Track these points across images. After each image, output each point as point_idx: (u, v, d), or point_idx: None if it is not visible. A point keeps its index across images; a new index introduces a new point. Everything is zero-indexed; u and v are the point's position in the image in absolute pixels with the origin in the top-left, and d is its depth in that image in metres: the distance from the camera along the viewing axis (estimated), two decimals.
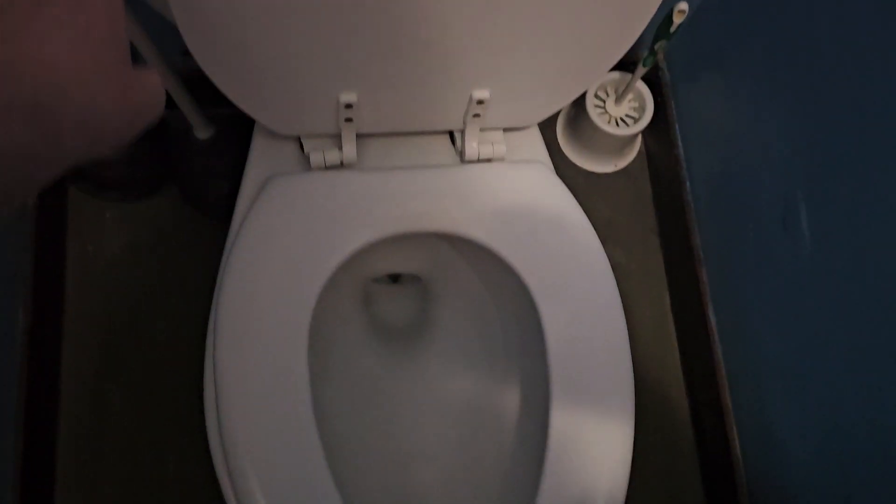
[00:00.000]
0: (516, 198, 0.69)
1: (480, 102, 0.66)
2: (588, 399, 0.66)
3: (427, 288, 0.85)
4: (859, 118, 0.71)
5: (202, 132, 0.91)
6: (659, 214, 1.19)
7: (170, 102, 0.85)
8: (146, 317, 1.05)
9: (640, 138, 1.22)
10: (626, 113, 1.14)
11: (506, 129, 0.73)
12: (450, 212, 0.68)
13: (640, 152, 1.23)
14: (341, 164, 0.70)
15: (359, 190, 0.68)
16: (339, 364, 0.75)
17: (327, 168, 0.70)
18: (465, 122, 0.70)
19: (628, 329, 1.10)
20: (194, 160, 0.94)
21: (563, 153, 1.21)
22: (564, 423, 0.65)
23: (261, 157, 0.72)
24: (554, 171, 0.72)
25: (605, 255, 0.70)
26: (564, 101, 0.69)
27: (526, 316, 0.70)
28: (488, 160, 0.72)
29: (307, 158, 0.70)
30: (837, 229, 0.77)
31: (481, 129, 0.71)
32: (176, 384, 1.01)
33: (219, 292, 0.65)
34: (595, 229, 0.73)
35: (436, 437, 0.75)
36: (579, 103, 1.13)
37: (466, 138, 0.71)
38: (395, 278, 0.93)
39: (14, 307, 0.92)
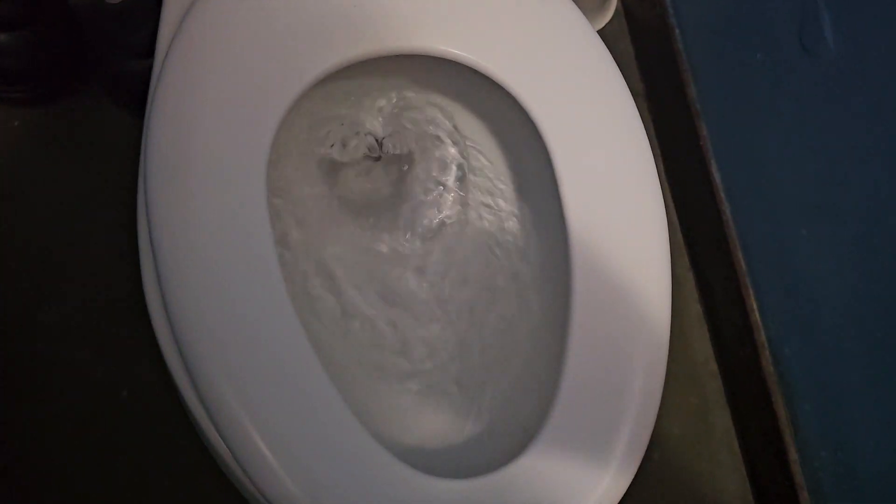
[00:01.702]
0: (510, 9, 0.57)
1: None
2: (615, 259, 0.55)
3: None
4: None
5: None
6: (644, 74, 1.07)
7: None
8: (78, 234, 0.90)
9: None
10: None
11: None
12: (433, 26, 0.55)
13: (617, 12, 1.10)
14: None
15: (314, 4, 0.54)
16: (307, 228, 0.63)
17: None
18: None
19: None
20: (104, 35, 0.79)
21: None
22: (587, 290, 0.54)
23: None
24: None
25: (618, 72, 0.59)
26: None
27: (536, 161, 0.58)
28: None
29: None
30: (871, 30, 0.67)
31: None
32: (124, 301, 0.87)
33: (145, 143, 0.52)
34: None
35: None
36: None
37: None
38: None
39: None
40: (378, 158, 0.70)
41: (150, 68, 0.60)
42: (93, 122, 0.93)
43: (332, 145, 0.69)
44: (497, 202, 0.66)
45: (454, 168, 0.66)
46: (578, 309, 0.52)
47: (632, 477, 0.51)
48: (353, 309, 0.62)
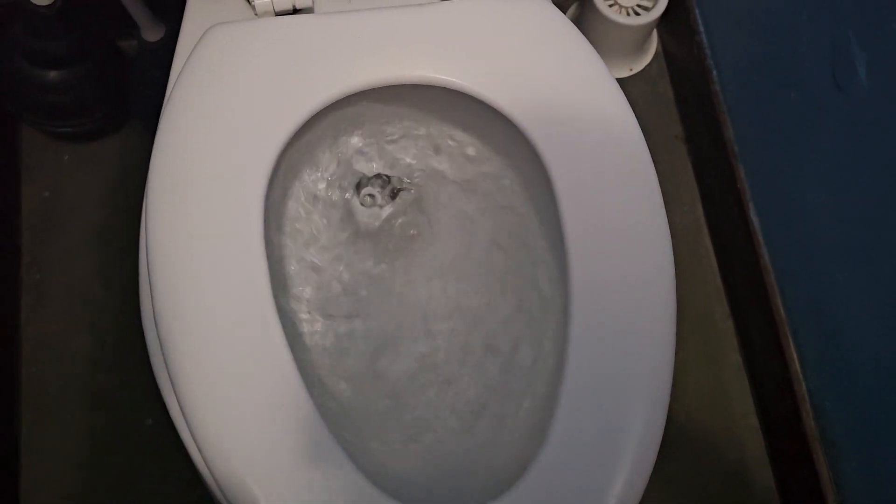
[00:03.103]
0: (509, 37, 0.57)
1: None
2: (616, 279, 0.53)
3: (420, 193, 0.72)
4: None
5: (150, 33, 0.80)
6: (683, 116, 1.05)
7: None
8: (109, 261, 0.93)
9: (655, 38, 1.09)
10: (637, 2, 1.01)
11: None
12: (430, 56, 0.56)
13: (657, 54, 1.09)
14: (294, 9, 0.58)
15: (317, 36, 0.56)
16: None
17: (277, 14, 0.58)
18: None
19: None
20: (143, 69, 0.83)
21: None
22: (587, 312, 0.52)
23: (198, 10, 0.60)
24: (554, 6, 0.59)
25: (624, 99, 0.57)
26: None
27: (539, 187, 0.57)
28: None
29: (254, 9, 0.58)
30: None
31: None
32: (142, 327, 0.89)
33: (151, 165, 0.53)
34: None
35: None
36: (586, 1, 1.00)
37: None
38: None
39: None
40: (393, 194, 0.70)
41: None
42: (135, 156, 0.97)
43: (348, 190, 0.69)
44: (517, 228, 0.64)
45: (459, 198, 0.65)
46: (575, 352, 0.50)
47: None
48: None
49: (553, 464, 0.47)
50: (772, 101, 0.84)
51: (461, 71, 0.56)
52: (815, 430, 0.83)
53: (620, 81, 1.06)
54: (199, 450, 0.47)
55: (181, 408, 0.47)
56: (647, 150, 0.55)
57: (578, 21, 1.05)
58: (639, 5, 1.01)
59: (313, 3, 0.58)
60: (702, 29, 0.97)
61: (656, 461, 0.50)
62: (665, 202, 0.98)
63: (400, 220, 0.67)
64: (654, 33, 1.08)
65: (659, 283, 0.53)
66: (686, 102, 1.04)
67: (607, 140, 0.56)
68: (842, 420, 0.79)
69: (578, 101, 0.57)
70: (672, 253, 0.54)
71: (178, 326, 0.48)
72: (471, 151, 0.64)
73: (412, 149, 0.65)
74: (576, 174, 0.55)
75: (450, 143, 0.64)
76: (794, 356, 0.85)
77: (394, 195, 0.70)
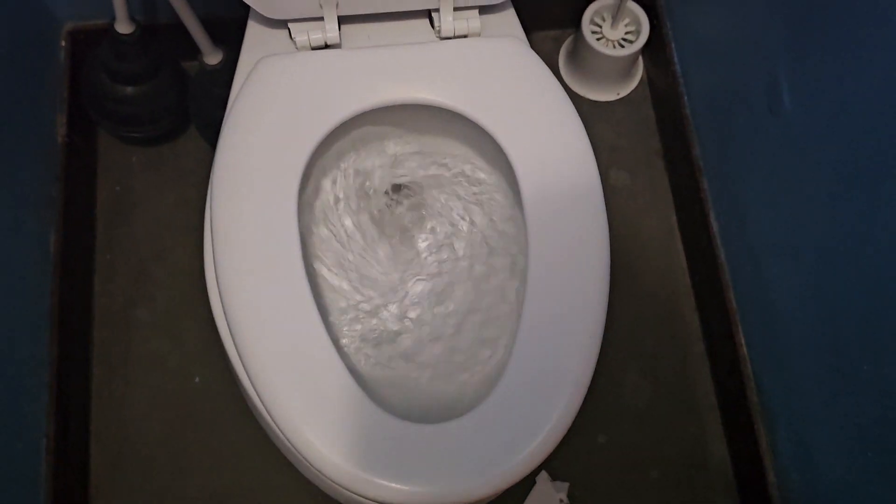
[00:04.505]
0: (489, 68, 0.73)
1: None
2: (562, 256, 0.69)
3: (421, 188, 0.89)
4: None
5: (211, 57, 0.97)
6: (662, 136, 1.20)
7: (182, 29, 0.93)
8: (167, 245, 1.11)
9: (641, 67, 1.25)
10: (622, 36, 1.17)
11: (482, 11, 0.77)
12: (429, 82, 0.72)
13: (642, 80, 1.25)
14: (326, 45, 0.75)
15: (343, 66, 0.73)
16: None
17: (313, 49, 0.75)
18: None
19: (635, 249, 1.13)
20: (203, 89, 1.01)
21: (567, 85, 1.24)
22: (539, 285, 0.67)
23: (253, 47, 0.77)
24: (528, 45, 0.76)
25: (573, 110, 0.73)
26: None
27: (509, 179, 0.73)
28: (464, 36, 0.76)
29: (295, 44, 0.75)
30: (814, 95, 0.79)
31: (456, 8, 0.75)
32: (198, 307, 1.07)
33: (213, 165, 0.70)
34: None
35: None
36: (578, 33, 1.17)
37: (442, 15, 0.75)
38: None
39: (46, 230, 0.99)
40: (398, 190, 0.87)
41: None
42: (192, 158, 1.15)
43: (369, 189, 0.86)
44: (492, 213, 0.81)
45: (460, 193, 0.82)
46: (532, 293, 0.66)
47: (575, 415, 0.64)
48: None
49: (510, 389, 0.63)
50: (727, 124, 0.99)
51: (453, 94, 0.73)
52: (756, 405, 0.98)
53: (609, 104, 1.23)
54: (265, 405, 0.63)
55: (245, 368, 0.64)
56: (596, 167, 0.71)
57: (572, 52, 1.22)
58: (624, 39, 1.16)
59: (340, 40, 0.76)
60: (676, 60, 1.13)
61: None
62: (644, 210, 1.15)
63: (404, 209, 0.84)
64: (640, 62, 1.24)
65: (594, 266, 0.68)
66: (664, 123, 1.20)
67: (562, 152, 0.72)
68: (777, 395, 0.94)
69: (540, 117, 0.73)
70: (607, 242, 0.69)
71: (237, 300, 0.65)
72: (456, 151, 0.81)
73: (415, 156, 0.82)
74: (537, 178, 0.71)
75: (446, 157, 0.81)
76: (742, 341, 1.00)
77: (398, 190, 0.88)
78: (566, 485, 1.02)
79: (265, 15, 0.74)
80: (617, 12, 1.13)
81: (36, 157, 0.99)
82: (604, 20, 1.17)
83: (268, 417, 0.66)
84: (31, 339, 0.93)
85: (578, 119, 0.71)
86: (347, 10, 0.74)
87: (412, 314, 0.78)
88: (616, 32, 1.16)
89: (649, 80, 1.24)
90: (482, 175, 0.81)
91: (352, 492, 0.61)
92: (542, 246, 0.68)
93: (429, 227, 0.85)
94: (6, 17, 0.94)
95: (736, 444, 1.04)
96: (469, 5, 0.76)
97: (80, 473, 1.00)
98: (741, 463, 1.03)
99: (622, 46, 1.16)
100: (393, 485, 0.60)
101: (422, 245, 0.82)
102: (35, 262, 0.96)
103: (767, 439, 0.96)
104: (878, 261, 0.71)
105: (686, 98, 1.11)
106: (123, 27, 0.96)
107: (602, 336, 0.67)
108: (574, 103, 1.20)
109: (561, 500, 1.01)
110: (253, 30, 0.78)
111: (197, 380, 1.06)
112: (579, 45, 1.17)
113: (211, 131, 1.08)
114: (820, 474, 0.86)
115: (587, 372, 0.65)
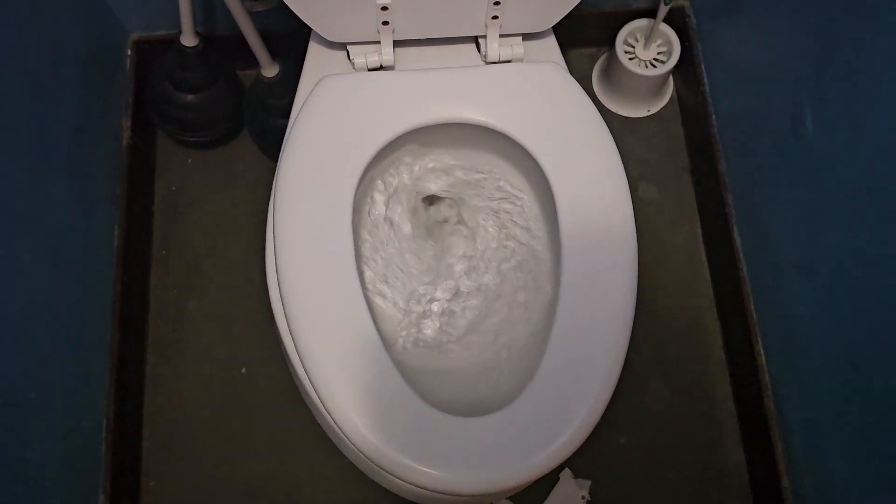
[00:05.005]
0: (531, 91, 0.79)
1: (497, 3, 0.76)
2: (593, 267, 0.75)
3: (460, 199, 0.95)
4: (851, 33, 0.79)
5: (268, 70, 1.04)
6: (690, 152, 1.26)
7: (240, 41, 1.00)
8: (219, 243, 1.18)
9: (671, 85, 1.30)
10: (654, 56, 1.22)
11: (525, 38, 0.84)
12: (475, 104, 0.79)
13: (672, 98, 1.30)
14: (381, 67, 0.82)
15: (397, 86, 0.79)
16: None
17: (370, 70, 0.82)
18: (486, 26, 0.80)
19: (661, 260, 1.18)
20: (258, 99, 1.08)
21: (598, 101, 1.30)
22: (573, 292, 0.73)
23: (314, 66, 0.84)
24: (567, 71, 0.82)
25: (609, 135, 0.79)
26: (569, 3, 0.79)
27: (543, 195, 0.79)
28: (508, 61, 0.82)
29: (353, 65, 0.82)
30: (836, 122, 0.84)
31: (502, 35, 0.81)
32: (247, 302, 1.14)
33: (277, 172, 0.77)
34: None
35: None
36: (612, 52, 1.22)
37: (488, 41, 0.81)
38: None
39: (111, 225, 1.07)
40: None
41: (286, 126, 0.87)
42: (243, 162, 1.22)
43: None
44: (528, 223, 0.87)
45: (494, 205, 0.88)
46: (564, 297, 0.72)
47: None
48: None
49: (541, 387, 0.69)
50: (752, 144, 1.04)
51: (497, 115, 0.79)
52: (773, 413, 1.03)
53: (639, 120, 1.29)
54: (315, 389, 0.70)
55: (298, 353, 0.71)
56: (627, 185, 0.76)
57: (606, 70, 1.27)
58: (655, 59, 1.22)
59: (394, 62, 0.82)
60: (706, 81, 1.18)
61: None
62: (671, 223, 1.20)
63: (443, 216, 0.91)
64: (671, 80, 1.29)
65: (623, 274, 0.74)
66: (692, 140, 1.25)
67: (595, 169, 0.78)
68: (792, 404, 0.99)
69: (578, 140, 0.79)
70: (636, 254, 0.75)
71: (295, 290, 0.72)
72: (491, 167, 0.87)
73: (459, 170, 0.88)
74: (572, 193, 0.77)
75: (486, 173, 0.87)
76: (761, 351, 1.05)
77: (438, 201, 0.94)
78: (588, 482, 1.08)
79: (328, 38, 0.81)
80: (650, 34, 1.19)
81: (104, 158, 1.07)
82: (637, 41, 1.22)
83: (321, 407, 0.73)
84: (98, 326, 1.01)
85: (613, 143, 0.77)
86: (402, 36, 0.81)
87: (448, 317, 0.84)
88: (648, 53, 1.21)
89: (679, 99, 1.29)
90: (516, 192, 0.87)
91: (394, 475, 0.68)
92: (575, 256, 0.74)
93: (464, 234, 0.91)
94: (81, 27, 1.02)
95: (752, 449, 1.09)
96: (513, 32, 0.82)
97: (133, 454, 1.07)
98: (756, 468, 1.08)
99: (654, 66, 1.21)
100: (433, 471, 0.67)
101: (457, 252, 0.88)
102: (101, 254, 1.04)
103: (782, 446, 1.01)
104: (892, 279, 0.76)
105: (714, 117, 1.16)
106: (189, 40, 1.03)
107: (629, 340, 0.73)
108: (606, 118, 1.26)
109: (583, 497, 1.07)
110: (314, 50, 0.85)
111: (243, 370, 1.13)
112: (613, 63, 1.23)
113: (264, 138, 1.15)
114: (832, 481, 0.91)
115: (615, 371, 0.71)
